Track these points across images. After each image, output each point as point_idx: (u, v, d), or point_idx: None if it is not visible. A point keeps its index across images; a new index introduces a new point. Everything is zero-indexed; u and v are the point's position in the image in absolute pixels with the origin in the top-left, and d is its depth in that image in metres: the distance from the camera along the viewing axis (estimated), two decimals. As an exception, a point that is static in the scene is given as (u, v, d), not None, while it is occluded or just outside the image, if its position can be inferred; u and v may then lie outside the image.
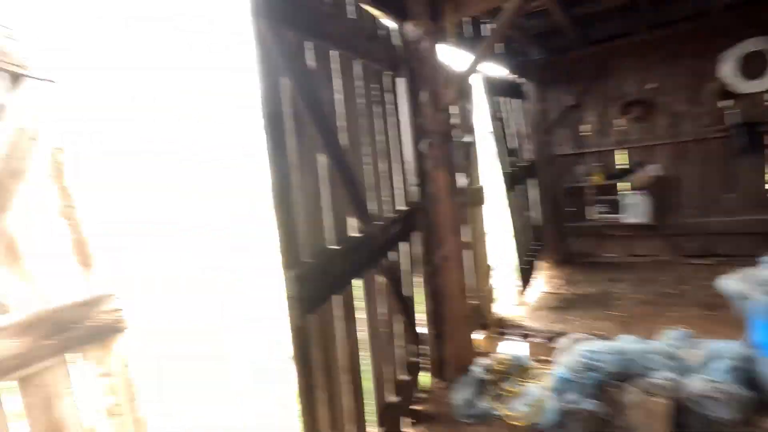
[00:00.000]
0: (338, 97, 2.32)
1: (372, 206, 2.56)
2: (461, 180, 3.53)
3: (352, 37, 2.44)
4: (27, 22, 1.38)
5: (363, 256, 2.39)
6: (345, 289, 2.22)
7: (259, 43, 1.71)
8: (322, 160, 2.12)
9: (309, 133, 2.00)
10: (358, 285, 2.36)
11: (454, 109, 3.34)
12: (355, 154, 2.44)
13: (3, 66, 1.27)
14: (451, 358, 3.10)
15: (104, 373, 1.40)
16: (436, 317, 3.12)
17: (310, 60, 2.09)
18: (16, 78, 1.31)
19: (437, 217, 3.03)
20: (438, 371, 3.13)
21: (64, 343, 1.27)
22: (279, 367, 3.61)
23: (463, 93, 3.82)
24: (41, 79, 1.37)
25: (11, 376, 1.13)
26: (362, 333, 2.38)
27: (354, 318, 2.30)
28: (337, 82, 2.32)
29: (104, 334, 1.42)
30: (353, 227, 2.36)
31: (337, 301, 2.15)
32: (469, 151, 3.91)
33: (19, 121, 1.28)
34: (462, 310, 3.17)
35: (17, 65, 1.31)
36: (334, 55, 2.29)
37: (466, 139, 3.87)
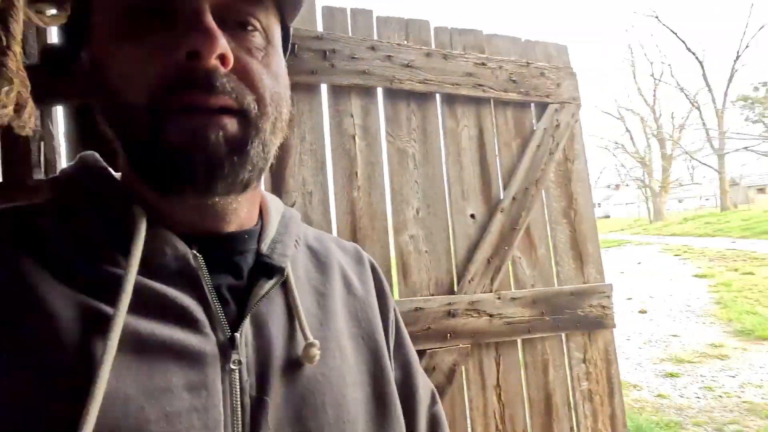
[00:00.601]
0: None
1: None
2: None
3: None
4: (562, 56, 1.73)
5: None
6: None
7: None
8: None
9: None
10: None
11: None
12: None
13: (533, 99, 1.66)
14: None
15: (585, 360, 1.56)
16: None
17: None
18: (542, 106, 1.68)
19: None
20: None
21: (556, 323, 1.52)
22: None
23: None
24: (563, 103, 1.68)
25: (519, 336, 1.50)
26: None
27: None
28: None
29: (589, 325, 1.58)
30: None
31: None
32: None
33: (540, 140, 1.64)
34: None
35: (544, 96, 1.67)
36: None
37: None
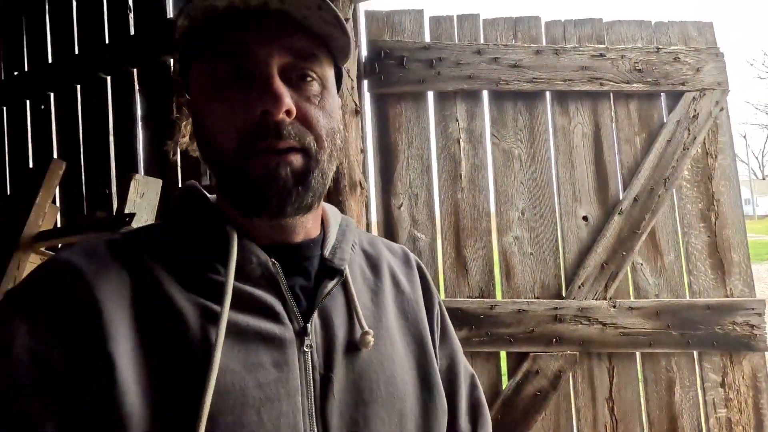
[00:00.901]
0: None
1: None
2: None
3: None
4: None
5: None
6: None
7: None
8: None
9: None
10: None
11: None
12: None
13: (664, 88, 1.48)
14: None
15: (723, 385, 1.37)
16: None
17: None
18: (676, 96, 1.49)
19: None
20: None
21: (685, 339, 1.36)
22: None
23: None
24: (704, 90, 1.47)
25: (638, 349, 1.38)
26: None
27: None
28: None
29: (731, 345, 1.37)
30: None
31: None
32: None
33: (671, 134, 1.46)
34: None
35: (678, 84, 1.48)
36: None
37: None
